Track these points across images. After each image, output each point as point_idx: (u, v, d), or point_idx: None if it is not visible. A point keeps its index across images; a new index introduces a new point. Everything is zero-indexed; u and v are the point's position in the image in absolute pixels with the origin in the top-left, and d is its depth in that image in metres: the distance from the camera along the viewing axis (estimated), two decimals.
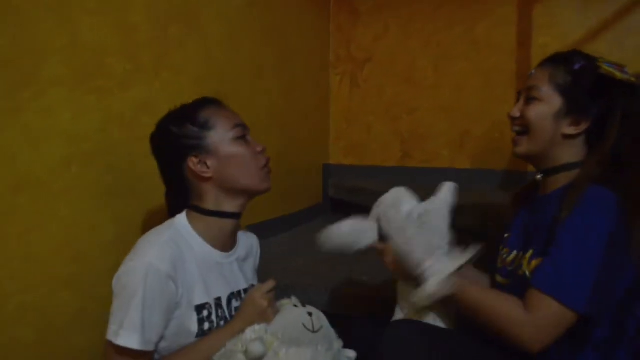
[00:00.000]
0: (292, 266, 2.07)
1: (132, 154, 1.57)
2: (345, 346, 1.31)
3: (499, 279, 1.30)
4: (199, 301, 1.22)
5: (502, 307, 1.10)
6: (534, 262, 1.16)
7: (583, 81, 1.18)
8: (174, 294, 1.17)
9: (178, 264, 1.19)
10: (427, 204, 1.30)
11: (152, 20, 1.71)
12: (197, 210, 1.29)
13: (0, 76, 1.22)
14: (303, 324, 1.19)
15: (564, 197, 1.13)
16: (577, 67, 1.19)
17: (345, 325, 1.37)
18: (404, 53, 3.08)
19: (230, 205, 1.30)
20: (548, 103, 1.20)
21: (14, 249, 1.27)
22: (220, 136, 1.28)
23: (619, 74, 1.15)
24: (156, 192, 1.44)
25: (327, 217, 3.15)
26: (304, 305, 1.26)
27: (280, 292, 1.82)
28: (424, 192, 2.54)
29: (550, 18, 2.66)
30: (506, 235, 1.36)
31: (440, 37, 2.97)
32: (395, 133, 3.15)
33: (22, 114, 1.27)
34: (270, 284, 1.27)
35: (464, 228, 2.13)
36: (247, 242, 1.48)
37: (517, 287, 1.17)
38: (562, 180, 1.21)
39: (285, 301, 1.29)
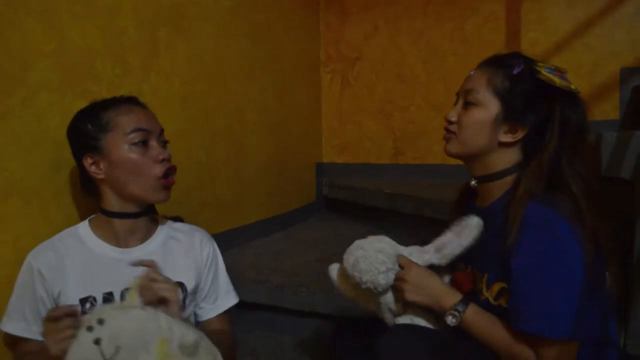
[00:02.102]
0: (285, 266, 2.07)
1: None
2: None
3: None
4: (82, 295, 1.23)
5: (518, 349, 1.06)
6: (495, 288, 1.13)
7: (521, 86, 1.14)
8: (48, 289, 1.22)
9: (55, 263, 1.23)
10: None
11: (140, 23, 1.71)
12: (100, 210, 1.31)
13: None
14: None
15: (505, 216, 1.10)
16: (516, 71, 1.14)
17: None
18: (393, 51, 3.09)
19: (125, 206, 1.29)
20: (485, 108, 1.16)
21: (7, 255, 1.27)
22: (115, 139, 1.24)
23: (557, 80, 1.10)
24: None
25: (320, 215, 3.16)
26: (100, 322, 0.93)
27: (273, 292, 1.84)
28: (417, 188, 2.57)
29: (538, 14, 2.67)
30: None
31: (429, 34, 2.98)
32: (387, 130, 3.16)
33: (10, 119, 1.28)
34: (60, 311, 0.99)
35: None
36: (182, 239, 1.41)
37: (481, 306, 1.15)
38: (497, 189, 1.18)
39: (83, 324, 0.96)
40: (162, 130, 1.31)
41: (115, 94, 1.53)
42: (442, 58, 2.94)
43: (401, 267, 1.20)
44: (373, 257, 1.18)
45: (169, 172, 1.28)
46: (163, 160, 1.26)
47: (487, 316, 1.12)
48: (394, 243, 1.24)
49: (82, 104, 1.44)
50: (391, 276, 1.19)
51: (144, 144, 1.25)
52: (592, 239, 1.03)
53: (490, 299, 1.14)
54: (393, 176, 3.11)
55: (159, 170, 1.25)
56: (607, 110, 2.52)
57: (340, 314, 1.71)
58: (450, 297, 1.15)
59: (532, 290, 1.04)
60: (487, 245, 1.14)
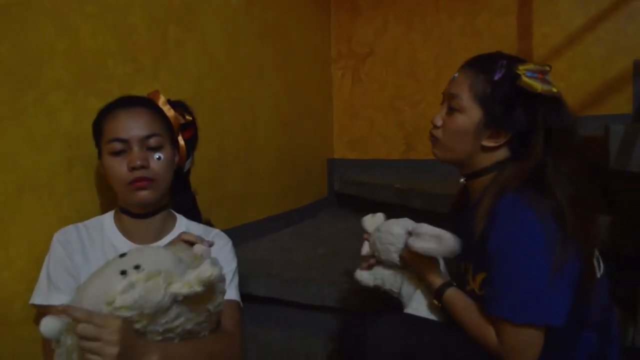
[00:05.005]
0: (297, 260, 2.09)
1: None
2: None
3: None
4: None
5: (483, 333, 1.10)
6: (478, 278, 1.16)
7: (502, 93, 1.13)
8: (77, 265, 1.26)
9: (79, 248, 1.28)
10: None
11: (151, 22, 1.73)
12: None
13: (3, 81, 1.25)
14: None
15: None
16: (496, 77, 1.14)
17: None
18: (405, 46, 3.09)
19: (128, 206, 1.33)
20: (468, 115, 1.17)
21: (19, 251, 1.30)
22: (102, 146, 1.30)
23: (539, 86, 1.08)
24: None
25: (332, 211, 3.17)
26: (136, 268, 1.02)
27: (285, 286, 1.86)
28: (428, 184, 2.57)
29: (550, 7, 2.66)
30: None
31: (440, 29, 2.97)
32: (398, 126, 3.16)
33: (24, 117, 1.30)
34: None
35: None
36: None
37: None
38: (483, 185, 1.19)
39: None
40: (149, 135, 1.28)
41: (127, 92, 1.56)
42: (454, 53, 2.93)
43: None
44: (384, 238, 1.34)
45: (139, 180, 1.26)
46: (134, 168, 1.25)
47: (465, 300, 1.17)
48: (410, 223, 1.33)
49: (94, 102, 1.47)
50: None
51: (121, 152, 1.27)
52: (569, 241, 1.04)
53: (476, 289, 1.17)
54: (404, 172, 3.11)
55: (127, 177, 1.26)
56: (619, 104, 2.50)
57: (350, 308, 1.72)
58: (437, 278, 1.23)
59: (497, 275, 1.08)
60: (472, 237, 1.16)
